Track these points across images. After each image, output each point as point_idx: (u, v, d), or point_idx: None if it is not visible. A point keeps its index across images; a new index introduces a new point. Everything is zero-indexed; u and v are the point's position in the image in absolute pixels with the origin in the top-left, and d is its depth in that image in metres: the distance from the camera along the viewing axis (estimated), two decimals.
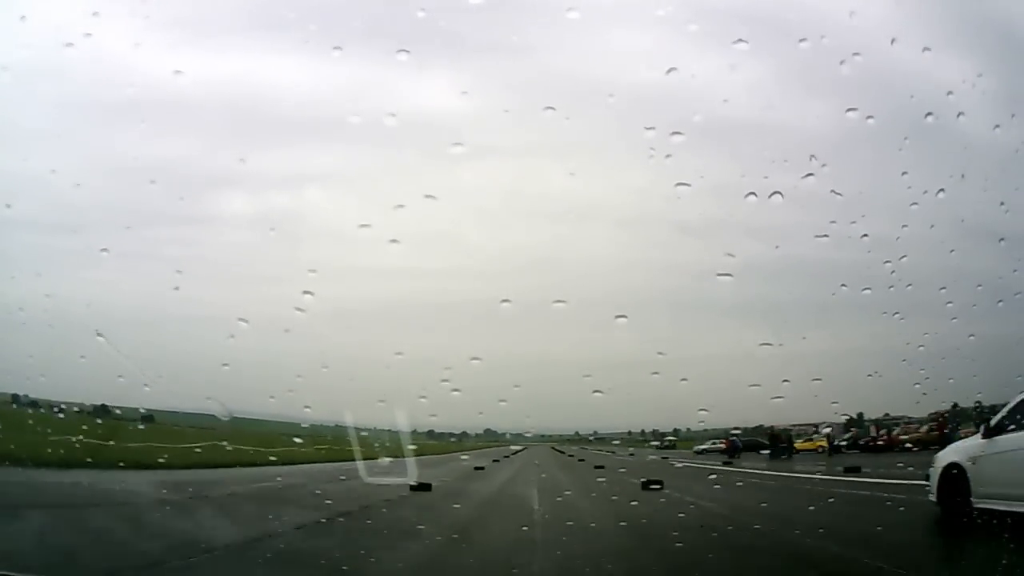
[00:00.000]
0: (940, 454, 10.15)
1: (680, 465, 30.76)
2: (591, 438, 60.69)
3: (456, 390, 10.00)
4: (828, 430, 38.17)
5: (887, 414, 36.92)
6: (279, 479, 18.14)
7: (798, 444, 37.58)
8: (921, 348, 10.56)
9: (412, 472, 15.38)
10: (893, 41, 10.80)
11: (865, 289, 10.45)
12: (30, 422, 18.33)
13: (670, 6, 11.60)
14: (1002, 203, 10.92)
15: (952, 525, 9.03)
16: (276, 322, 12.63)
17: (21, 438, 16.18)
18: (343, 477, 18.59)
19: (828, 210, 10.64)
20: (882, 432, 37.89)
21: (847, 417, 35.61)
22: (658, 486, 16.37)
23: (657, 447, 55.69)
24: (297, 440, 25.26)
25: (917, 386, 11.66)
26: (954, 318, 10.58)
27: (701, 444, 46.91)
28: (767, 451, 34.74)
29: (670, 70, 9.36)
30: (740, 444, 38.46)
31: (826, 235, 10.68)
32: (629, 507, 13.06)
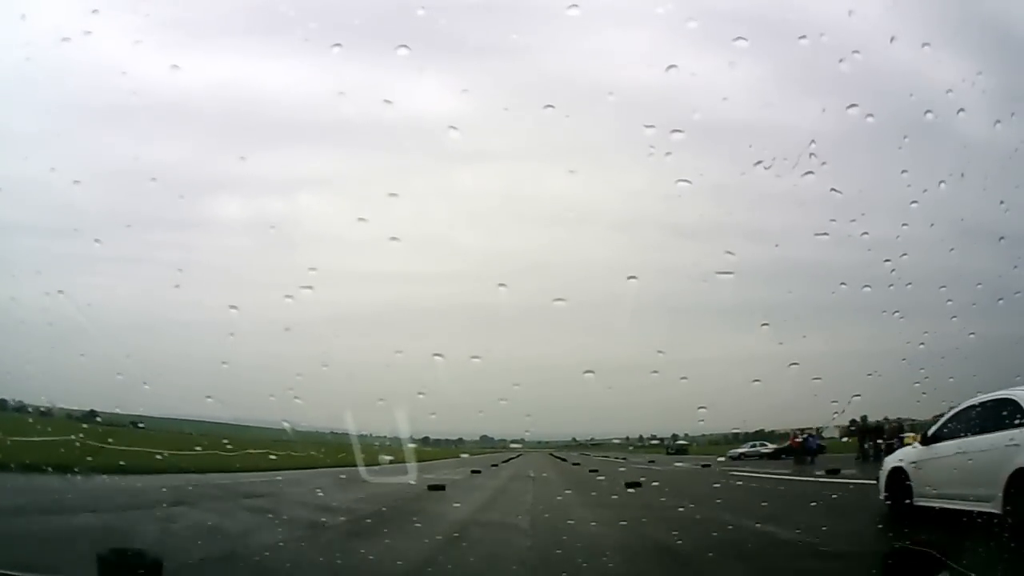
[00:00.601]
0: (887, 458, 11.68)
1: (737, 478, 22.35)
2: (590, 443, 60.02)
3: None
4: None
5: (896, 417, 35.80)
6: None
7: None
8: (922, 346, 10.56)
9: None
10: (892, 39, 10.84)
11: (865, 286, 10.46)
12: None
13: (669, 4, 11.59)
14: (1002, 202, 10.96)
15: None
16: (276, 323, 12.56)
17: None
18: (343, 476, 18.54)
19: (828, 209, 10.62)
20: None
21: (852, 419, 31.60)
22: None
23: (667, 453, 50.44)
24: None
25: (917, 385, 11.58)
26: (954, 317, 10.62)
27: (737, 447, 40.99)
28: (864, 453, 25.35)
29: (670, 67, 9.35)
30: (817, 444, 30.48)
31: (826, 233, 10.67)
32: None
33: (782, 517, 11.24)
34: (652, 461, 41.04)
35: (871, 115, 10.05)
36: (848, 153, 13.93)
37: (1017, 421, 8.60)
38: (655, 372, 11.28)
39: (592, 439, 56.05)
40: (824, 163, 9.85)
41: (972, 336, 10.71)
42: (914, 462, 10.57)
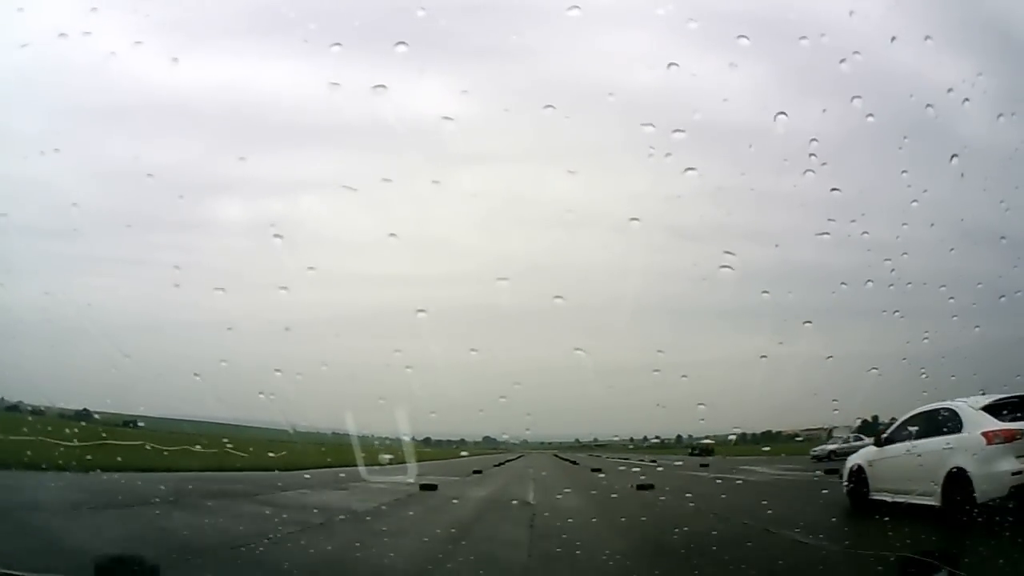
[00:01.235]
0: (850, 457, 12.87)
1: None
2: (594, 444, 59.66)
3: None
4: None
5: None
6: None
7: None
8: (925, 341, 10.65)
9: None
10: (893, 40, 10.78)
11: (868, 281, 10.46)
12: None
13: (670, 5, 11.53)
14: (1002, 201, 11.01)
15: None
16: (276, 323, 12.57)
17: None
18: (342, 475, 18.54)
19: (828, 208, 10.61)
20: None
21: (860, 420, 30.33)
22: None
23: (689, 454, 44.94)
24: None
25: (918, 385, 11.61)
26: (954, 316, 10.69)
27: (825, 444, 32.54)
28: None
29: (670, 64, 9.32)
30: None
31: (826, 233, 10.67)
32: None
33: None
34: (704, 464, 31.63)
35: (871, 115, 10.02)
36: (848, 153, 13.92)
37: (955, 428, 9.89)
38: (656, 371, 11.29)
39: (595, 440, 55.69)
40: (824, 163, 9.87)
41: (977, 329, 10.95)
42: (870, 461, 11.86)
